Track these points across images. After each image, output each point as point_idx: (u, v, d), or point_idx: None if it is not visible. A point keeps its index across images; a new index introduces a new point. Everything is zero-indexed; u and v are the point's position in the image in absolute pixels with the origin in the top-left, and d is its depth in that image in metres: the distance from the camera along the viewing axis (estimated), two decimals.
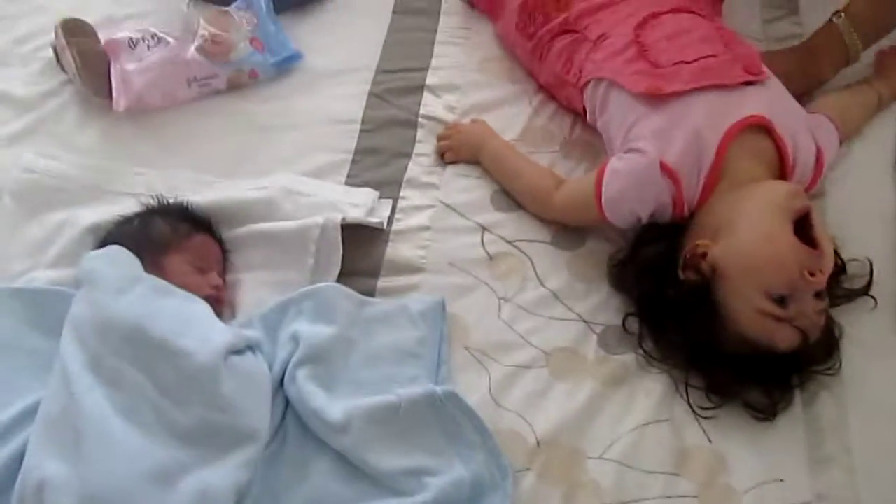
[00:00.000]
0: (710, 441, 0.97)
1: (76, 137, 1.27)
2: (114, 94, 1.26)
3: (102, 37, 1.31)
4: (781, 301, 0.93)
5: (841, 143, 1.16)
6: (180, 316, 0.98)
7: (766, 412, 0.97)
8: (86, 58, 1.27)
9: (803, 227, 0.96)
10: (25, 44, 1.39)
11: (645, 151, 1.05)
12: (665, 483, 0.94)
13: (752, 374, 0.97)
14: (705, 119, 1.04)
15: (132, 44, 1.29)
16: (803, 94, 1.21)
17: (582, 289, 1.10)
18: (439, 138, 1.24)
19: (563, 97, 1.27)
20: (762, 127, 1.05)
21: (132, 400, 0.91)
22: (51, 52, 1.34)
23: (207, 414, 0.91)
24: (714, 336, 0.97)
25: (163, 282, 1.01)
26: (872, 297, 1.04)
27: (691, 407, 0.98)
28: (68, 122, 1.29)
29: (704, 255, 0.99)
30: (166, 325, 0.95)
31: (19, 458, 0.90)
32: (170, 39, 1.29)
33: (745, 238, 0.97)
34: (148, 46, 1.29)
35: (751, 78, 1.08)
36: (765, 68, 1.10)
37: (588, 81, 1.17)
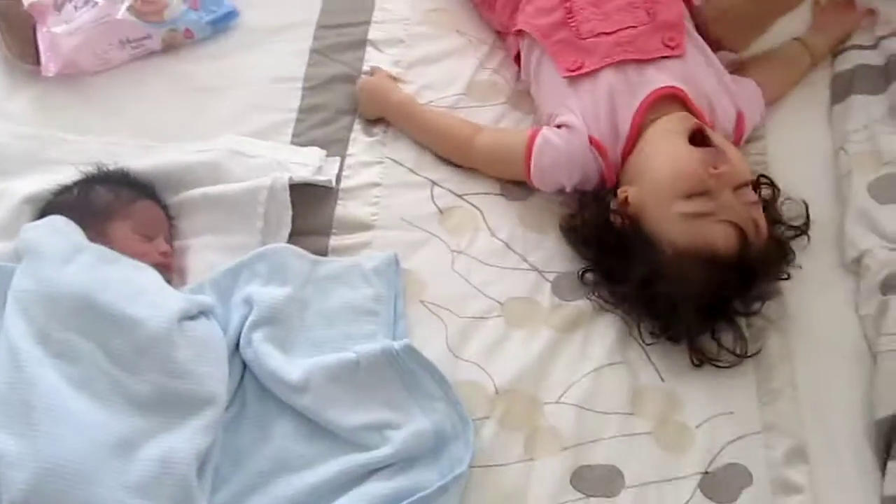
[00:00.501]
0: (662, 380, 0.99)
1: (4, 105, 1.22)
2: (42, 59, 1.21)
3: None
4: (701, 197, 0.99)
5: (769, 104, 1.19)
6: (129, 284, 0.95)
7: (722, 360, 0.99)
8: (10, 21, 1.22)
9: (702, 143, 1.03)
10: None
11: (575, 127, 1.09)
12: (621, 423, 0.96)
13: (703, 313, 0.99)
14: (621, 95, 1.10)
15: (58, 5, 1.24)
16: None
17: (533, 238, 1.10)
18: None
19: (508, 47, 1.27)
20: (676, 97, 1.09)
21: (84, 371, 0.89)
22: None
23: (164, 381, 0.90)
24: (658, 269, 0.99)
25: (109, 250, 0.99)
26: (808, 235, 1.08)
27: (644, 348, 1.01)
28: None
29: (626, 198, 1.04)
30: (115, 294, 0.93)
31: None
32: (97, 0, 1.23)
33: (651, 167, 1.05)
34: (75, 7, 1.23)
35: (667, 52, 1.11)
36: (684, 39, 1.12)
37: (520, 32, 1.18)
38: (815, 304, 1.04)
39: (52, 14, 1.24)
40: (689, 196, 0.99)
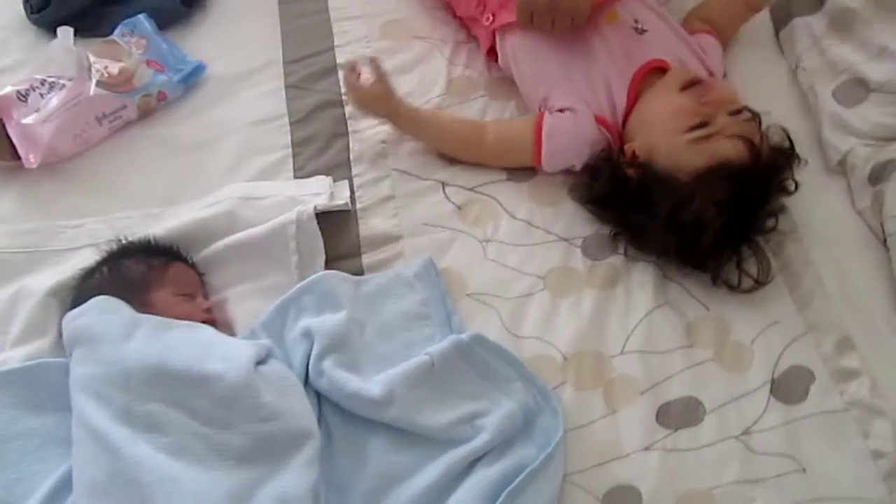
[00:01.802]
0: (708, 309, 1.06)
1: None
2: (20, 152, 1.19)
3: None
4: (702, 127, 1.07)
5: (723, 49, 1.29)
6: (194, 344, 0.96)
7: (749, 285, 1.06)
8: None
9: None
10: None
11: (577, 110, 1.16)
12: (684, 356, 1.02)
13: (728, 232, 1.04)
14: (612, 71, 1.16)
15: (22, 96, 1.21)
16: None
17: (550, 212, 1.16)
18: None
19: (476, 34, 1.32)
20: (663, 69, 1.17)
21: (177, 439, 0.89)
22: None
23: (257, 427, 0.90)
24: (681, 198, 1.04)
25: (161, 318, 0.98)
26: (798, 156, 1.13)
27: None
28: None
29: (633, 152, 1.11)
30: (186, 356, 0.93)
31: None
32: (63, 82, 1.21)
33: (651, 118, 1.13)
34: (41, 95, 1.21)
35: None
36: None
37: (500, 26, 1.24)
38: (816, 210, 1.14)
39: (17, 106, 1.21)
40: (691, 129, 1.06)
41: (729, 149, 1.05)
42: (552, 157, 1.16)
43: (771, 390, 0.99)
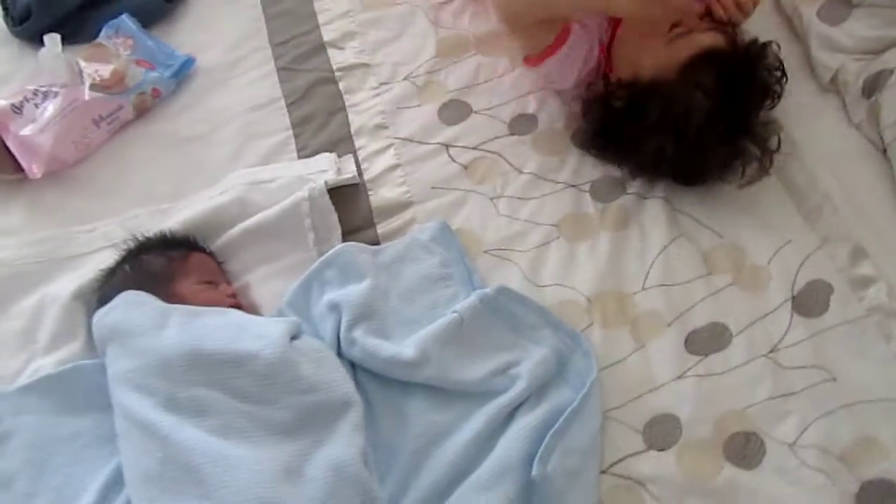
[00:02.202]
0: (721, 237, 1.08)
1: (1, 223, 1.19)
2: (23, 164, 1.19)
3: None
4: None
5: None
6: (227, 326, 0.97)
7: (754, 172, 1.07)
8: None
9: None
10: None
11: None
12: (704, 284, 1.05)
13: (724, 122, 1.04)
14: None
15: (16, 108, 1.21)
16: None
17: (555, 161, 1.18)
18: None
19: None
20: None
21: (223, 419, 0.90)
22: None
23: (299, 400, 0.92)
24: (672, 94, 1.05)
25: (190, 306, 1.00)
26: (785, 73, 1.13)
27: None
28: None
29: (619, 79, 1.13)
30: (220, 339, 0.94)
31: None
32: (56, 90, 1.21)
33: (631, 40, 1.13)
34: (36, 105, 1.21)
35: None
36: None
37: None
38: (815, 129, 1.16)
39: (13, 118, 1.21)
40: (668, 31, 1.07)
41: (706, 38, 1.06)
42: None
43: (792, 306, 1.02)
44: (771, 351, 0.99)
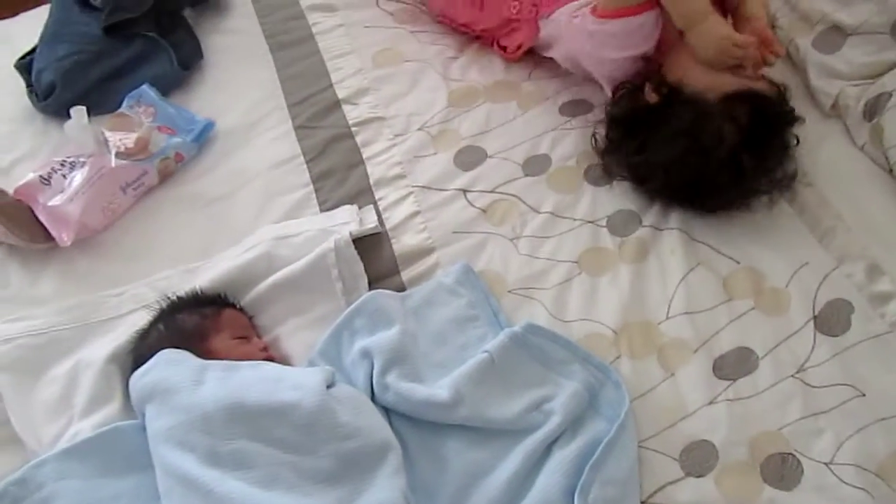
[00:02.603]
0: (738, 263, 1.11)
1: (32, 292, 1.22)
2: (53, 233, 1.22)
3: (5, 187, 1.27)
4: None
5: None
6: (264, 378, 0.99)
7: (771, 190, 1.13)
8: (8, 213, 1.22)
9: None
10: None
11: None
12: (726, 310, 1.07)
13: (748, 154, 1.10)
14: None
15: (45, 180, 1.25)
16: None
17: (570, 199, 1.21)
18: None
19: (504, 37, 1.38)
20: None
21: (266, 471, 0.92)
22: None
23: (340, 447, 0.93)
24: (704, 112, 1.10)
25: (226, 361, 1.02)
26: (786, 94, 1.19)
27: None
28: (16, 283, 1.23)
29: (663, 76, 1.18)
30: (259, 391, 0.96)
31: None
32: (83, 160, 1.25)
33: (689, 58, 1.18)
34: (63, 175, 1.25)
35: None
36: None
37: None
38: (821, 154, 1.20)
39: (42, 190, 1.25)
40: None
41: (758, 83, 1.12)
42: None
43: (815, 326, 1.04)
44: (798, 371, 1.00)
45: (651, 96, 1.16)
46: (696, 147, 1.10)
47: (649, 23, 1.17)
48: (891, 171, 1.13)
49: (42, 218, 1.23)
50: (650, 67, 1.22)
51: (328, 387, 0.99)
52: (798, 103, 1.22)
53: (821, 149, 1.20)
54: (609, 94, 1.25)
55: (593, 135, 1.24)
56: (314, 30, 1.49)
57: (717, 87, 1.12)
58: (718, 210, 1.15)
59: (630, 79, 1.22)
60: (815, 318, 1.04)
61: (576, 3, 1.25)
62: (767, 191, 1.13)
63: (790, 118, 1.14)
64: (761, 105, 1.10)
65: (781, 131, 1.13)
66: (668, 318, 1.07)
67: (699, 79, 1.14)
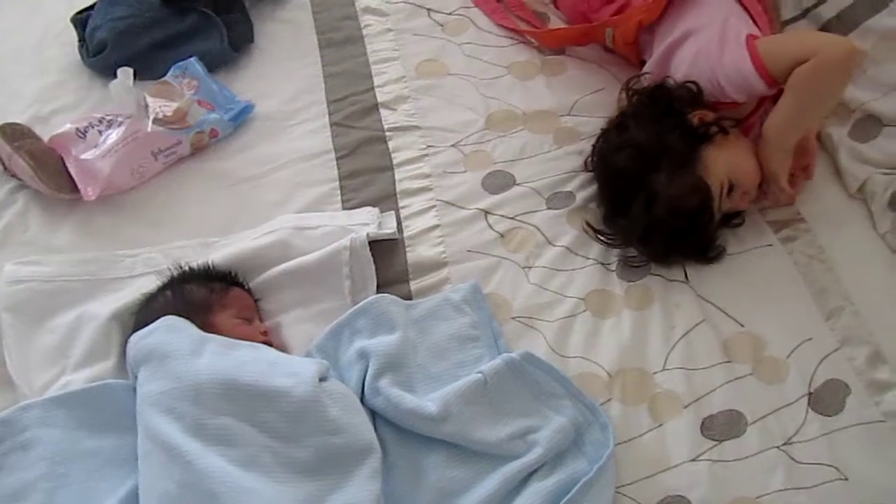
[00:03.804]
0: (742, 326, 1.12)
1: (50, 239, 1.24)
2: (80, 186, 1.24)
3: (41, 135, 1.29)
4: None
5: None
6: (261, 361, 1.00)
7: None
8: (38, 158, 1.25)
9: None
10: None
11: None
12: (723, 371, 1.07)
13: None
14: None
15: (81, 133, 1.28)
16: None
17: (587, 237, 1.21)
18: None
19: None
20: None
21: (246, 451, 0.93)
22: None
23: (323, 441, 0.94)
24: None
25: (225, 337, 1.03)
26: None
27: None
28: (35, 228, 1.25)
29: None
30: (253, 372, 0.97)
31: None
32: (121, 119, 1.28)
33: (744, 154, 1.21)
34: (99, 132, 1.28)
35: None
36: None
37: None
38: (841, 234, 1.20)
39: (76, 142, 1.28)
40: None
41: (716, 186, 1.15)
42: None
43: (809, 402, 1.04)
44: (785, 443, 1.00)
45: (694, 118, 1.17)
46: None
47: (762, 91, 1.18)
48: None
49: (71, 169, 1.25)
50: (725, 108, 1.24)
51: (321, 380, 1.00)
52: (824, 179, 1.25)
53: (841, 229, 1.20)
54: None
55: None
56: (364, 31, 1.51)
57: (742, 173, 1.16)
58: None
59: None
60: (810, 394, 1.05)
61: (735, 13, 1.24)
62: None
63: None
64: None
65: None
66: (664, 369, 1.08)
67: (742, 163, 1.17)
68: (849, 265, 1.17)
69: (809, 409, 1.04)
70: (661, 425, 1.03)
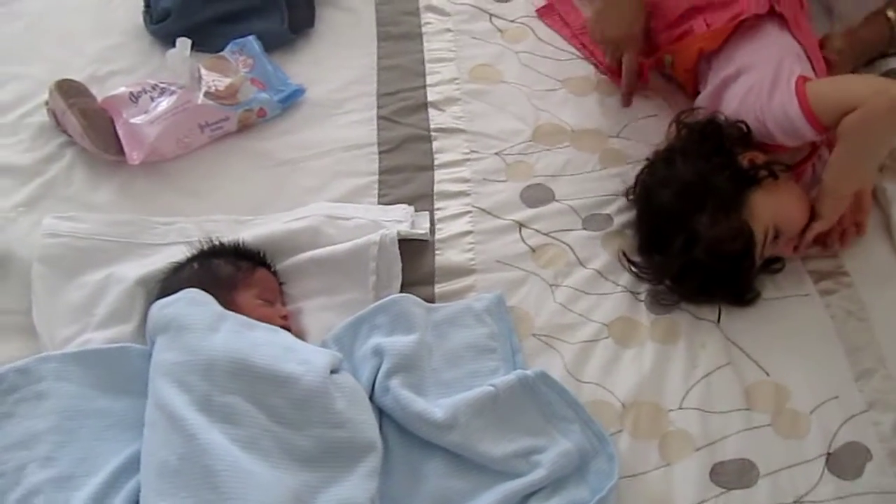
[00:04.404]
0: (767, 375, 1.08)
1: (91, 197, 1.26)
2: (125, 149, 1.26)
3: (96, 95, 1.32)
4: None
5: None
6: (275, 345, 1.00)
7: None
8: (89, 117, 1.27)
9: None
10: (9, 112, 1.37)
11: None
12: (741, 418, 1.04)
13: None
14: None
15: (133, 97, 1.30)
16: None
17: (619, 264, 1.19)
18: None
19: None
20: None
21: (249, 432, 0.93)
22: (40, 118, 1.33)
23: (326, 433, 0.94)
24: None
25: (244, 317, 1.03)
26: None
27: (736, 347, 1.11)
28: (78, 184, 1.28)
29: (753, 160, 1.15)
30: (266, 355, 0.98)
31: None
32: (174, 89, 1.30)
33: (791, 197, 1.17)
34: (151, 98, 1.30)
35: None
36: None
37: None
38: (884, 293, 1.15)
39: (128, 106, 1.30)
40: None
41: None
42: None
43: (826, 463, 1.00)
44: (794, 501, 0.97)
45: (744, 161, 1.14)
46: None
47: (810, 137, 1.15)
48: None
49: (120, 131, 1.27)
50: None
51: (333, 372, 1.00)
52: (873, 237, 1.20)
53: (885, 288, 1.16)
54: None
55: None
56: (424, 29, 1.51)
57: (789, 220, 1.13)
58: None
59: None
60: (829, 454, 1.01)
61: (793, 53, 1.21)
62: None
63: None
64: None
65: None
66: (680, 407, 1.05)
67: (789, 210, 1.14)
68: (888, 327, 1.12)
69: (826, 470, 1.00)
70: (669, 464, 1.00)
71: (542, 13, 1.55)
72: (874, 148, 1.13)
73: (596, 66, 1.46)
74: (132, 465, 0.95)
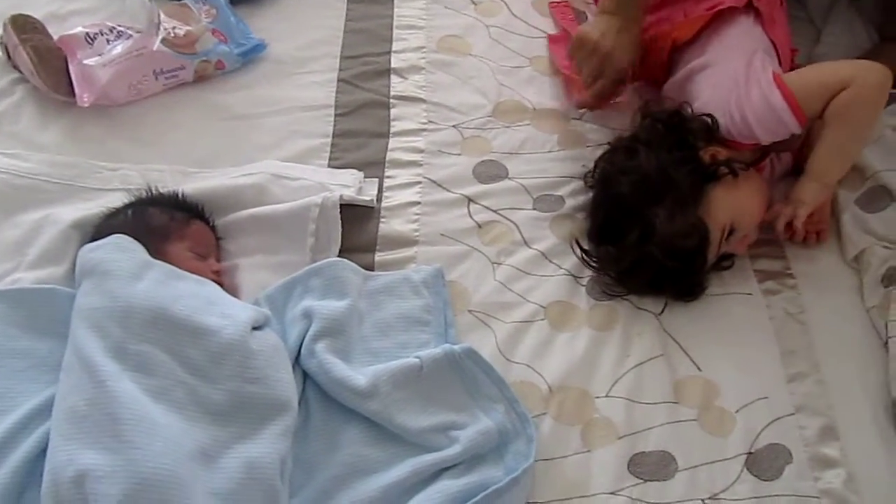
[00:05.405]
0: (699, 370, 1.07)
1: (37, 136, 1.24)
2: (76, 90, 1.24)
3: (53, 33, 1.29)
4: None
5: None
6: (199, 297, 0.99)
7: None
8: (41, 55, 1.24)
9: None
10: None
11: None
12: (667, 411, 1.03)
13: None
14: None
15: (90, 38, 1.27)
16: None
17: (565, 247, 1.17)
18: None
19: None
20: None
21: (161, 382, 0.91)
22: None
23: (240, 387, 0.93)
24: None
25: (173, 267, 1.02)
26: None
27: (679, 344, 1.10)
28: (25, 122, 1.26)
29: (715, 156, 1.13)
30: (188, 306, 0.96)
31: (35, 459, 0.89)
32: (131, 33, 1.27)
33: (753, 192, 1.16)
34: (108, 41, 1.27)
35: None
36: None
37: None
38: (826, 299, 1.14)
39: (83, 47, 1.27)
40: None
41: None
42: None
43: (746, 462, 0.99)
44: (710, 497, 0.96)
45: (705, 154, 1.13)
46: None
47: (792, 129, 1.13)
48: (885, 343, 1.08)
49: (72, 72, 1.25)
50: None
51: (255, 328, 0.99)
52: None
53: (828, 295, 1.14)
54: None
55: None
56: None
57: (745, 217, 1.12)
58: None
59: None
60: (749, 453, 1.00)
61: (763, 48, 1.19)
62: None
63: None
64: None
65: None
66: (607, 395, 1.04)
67: (747, 206, 1.13)
68: (825, 332, 1.11)
69: (745, 469, 0.99)
70: (589, 451, 0.99)
71: (554, 8, 1.51)
72: (865, 126, 1.13)
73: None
74: (48, 408, 0.93)
